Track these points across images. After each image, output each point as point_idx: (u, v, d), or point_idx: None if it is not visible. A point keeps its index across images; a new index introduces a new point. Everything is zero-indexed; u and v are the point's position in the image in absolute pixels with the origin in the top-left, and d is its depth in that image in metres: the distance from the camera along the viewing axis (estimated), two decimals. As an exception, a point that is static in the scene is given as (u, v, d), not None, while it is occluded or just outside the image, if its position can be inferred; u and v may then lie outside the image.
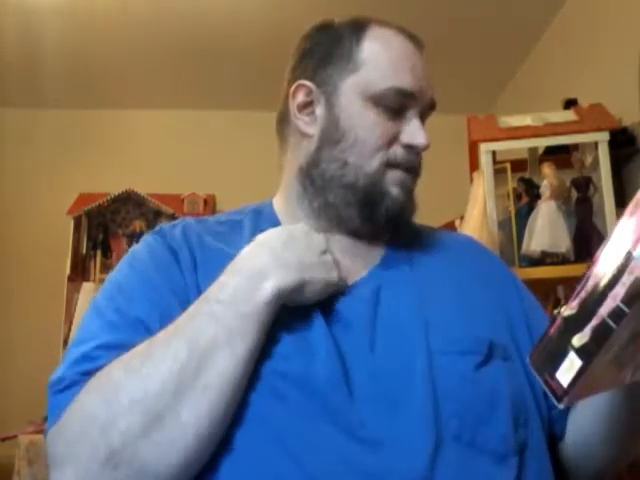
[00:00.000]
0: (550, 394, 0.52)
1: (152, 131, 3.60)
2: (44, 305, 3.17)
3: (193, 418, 0.58)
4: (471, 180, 2.04)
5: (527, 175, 2.07)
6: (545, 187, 1.89)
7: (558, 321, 0.53)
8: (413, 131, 0.75)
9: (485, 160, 1.93)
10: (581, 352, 0.50)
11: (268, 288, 0.63)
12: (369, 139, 0.74)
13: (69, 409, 0.60)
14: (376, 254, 0.78)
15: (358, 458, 0.59)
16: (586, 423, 0.72)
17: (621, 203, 2.02)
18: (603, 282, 0.49)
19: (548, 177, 1.90)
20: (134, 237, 3.28)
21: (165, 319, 0.65)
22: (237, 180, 3.39)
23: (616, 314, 0.47)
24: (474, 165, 2.04)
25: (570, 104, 2.18)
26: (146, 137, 3.59)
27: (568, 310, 0.52)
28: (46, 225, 3.32)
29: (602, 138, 1.88)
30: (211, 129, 3.62)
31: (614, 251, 0.49)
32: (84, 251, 3.24)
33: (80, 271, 3.19)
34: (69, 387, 0.62)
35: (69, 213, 3.15)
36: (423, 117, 0.78)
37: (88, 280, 3.17)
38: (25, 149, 3.48)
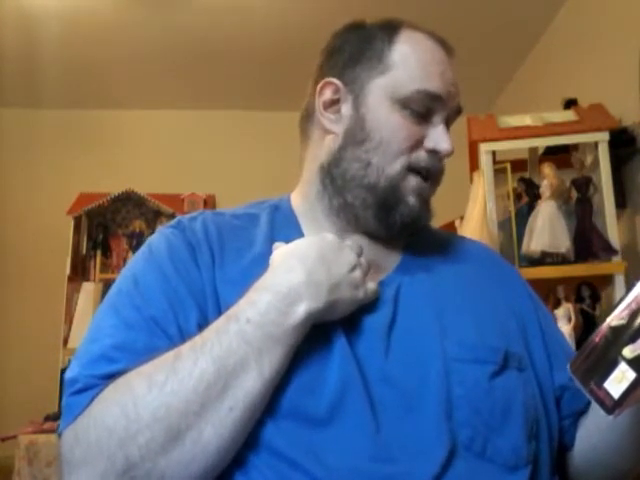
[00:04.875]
0: (597, 404, 0.52)
1: (152, 131, 3.60)
2: (44, 305, 3.18)
3: (215, 437, 0.58)
4: (471, 180, 2.04)
5: (527, 175, 2.07)
6: (545, 187, 1.90)
7: (604, 330, 0.53)
8: (438, 136, 0.74)
9: (485, 160, 1.93)
10: (635, 364, 0.49)
11: (300, 312, 0.61)
12: (394, 141, 0.73)
13: (87, 415, 0.59)
14: (393, 259, 0.78)
15: (370, 464, 0.59)
16: (596, 432, 0.72)
17: (621, 203, 2.02)
18: None
19: (548, 177, 1.90)
20: (134, 237, 3.29)
21: (181, 319, 0.65)
22: (237, 180, 3.39)
23: None
24: (474, 165, 2.04)
25: (570, 104, 2.18)
26: (146, 137, 3.59)
27: (616, 320, 0.52)
28: (46, 225, 3.32)
29: (602, 138, 1.88)
30: (211, 129, 3.62)
31: None
32: (84, 251, 3.24)
33: (80, 271, 3.19)
34: (85, 390, 0.61)
35: (69, 213, 3.15)
36: (448, 122, 0.77)
37: (88, 280, 3.17)
38: (25, 149, 3.48)
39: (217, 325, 0.62)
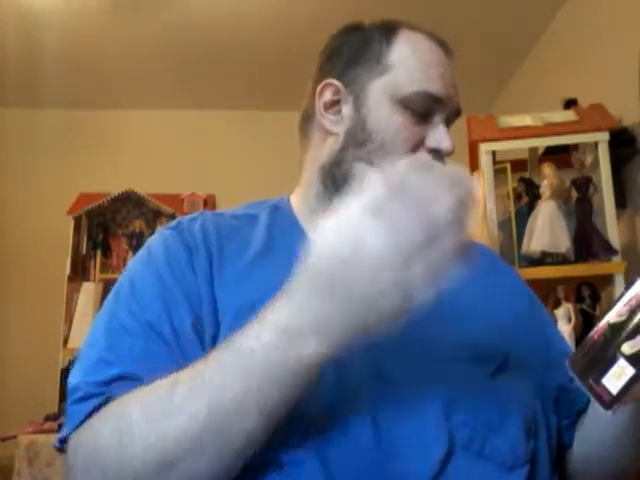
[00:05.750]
0: (595, 399, 0.52)
1: (152, 131, 3.60)
2: (44, 305, 3.17)
3: (213, 470, 0.55)
4: (471, 180, 2.04)
5: (527, 175, 2.07)
6: (545, 187, 1.90)
7: (602, 327, 0.53)
8: (439, 136, 0.74)
9: (485, 160, 1.93)
10: (633, 360, 0.50)
11: (311, 354, 0.51)
12: (395, 142, 0.73)
13: (87, 428, 0.60)
14: None
15: (369, 463, 0.59)
16: (595, 430, 0.72)
17: (621, 203, 2.03)
18: None
19: (548, 177, 1.91)
20: (134, 237, 3.28)
21: (175, 320, 0.65)
22: (237, 180, 3.39)
23: None
24: (474, 165, 2.04)
25: (570, 104, 2.18)
26: (146, 137, 3.59)
27: (615, 317, 0.52)
28: (46, 225, 3.32)
29: (602, 138, 1.88)
30: (211, 129, 3.62)
31: None
32: (84, 251, 3.24)
33: (80, 271, 3.19)
34: (86, 399, 0.61)
35: (69, 213, 3.15)
36: (448, 123, 0.77)
37: (88, 280, 3.17)
38: (25, 149, 3.48)
39: (217, 355, 0.56)
